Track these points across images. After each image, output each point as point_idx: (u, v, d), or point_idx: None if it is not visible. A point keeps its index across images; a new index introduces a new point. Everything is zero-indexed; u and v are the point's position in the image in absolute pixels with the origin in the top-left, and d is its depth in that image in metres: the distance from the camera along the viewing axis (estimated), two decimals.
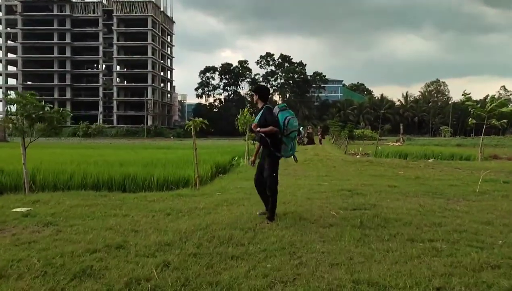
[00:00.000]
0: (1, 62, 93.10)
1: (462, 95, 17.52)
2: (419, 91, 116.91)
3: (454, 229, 5.14)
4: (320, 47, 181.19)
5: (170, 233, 4.80)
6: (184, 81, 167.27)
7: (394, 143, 39.43)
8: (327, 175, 11.65)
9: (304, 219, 5.65)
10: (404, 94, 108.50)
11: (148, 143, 44.08)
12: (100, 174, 9.55)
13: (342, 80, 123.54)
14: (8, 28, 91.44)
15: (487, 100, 19.96)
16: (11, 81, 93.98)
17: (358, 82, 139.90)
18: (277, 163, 5.74)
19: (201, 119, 9.05)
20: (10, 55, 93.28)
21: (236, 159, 16.27)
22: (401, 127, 53.63)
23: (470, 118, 17.18)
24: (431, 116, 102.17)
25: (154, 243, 4.37)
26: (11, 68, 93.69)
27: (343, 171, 12.75)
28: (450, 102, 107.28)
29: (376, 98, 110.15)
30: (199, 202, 6.99)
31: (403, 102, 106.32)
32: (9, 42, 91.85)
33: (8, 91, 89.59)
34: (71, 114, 18.27)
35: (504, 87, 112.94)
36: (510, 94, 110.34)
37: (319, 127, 45.55)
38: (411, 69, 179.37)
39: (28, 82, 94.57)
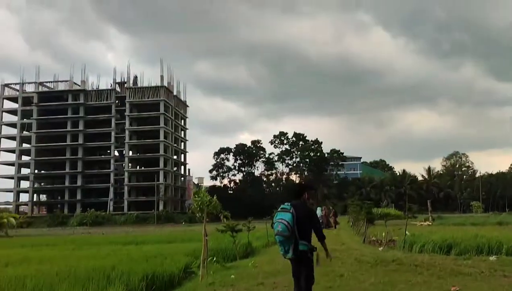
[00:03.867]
0: (14, 153, 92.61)
1: None
2: (442, 165, 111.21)
3: None
4: (337, 126, 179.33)
5: None
6: (204, 165, 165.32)
7: (422, 223, 34.52)
8: None
9: None
10: (426, 168, 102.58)
11: (150, 230, 39.51)
12: None
13: (361, 157, 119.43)
14: (25, 119, 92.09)
15: None
16: (24, 171, 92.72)
17: (378, 159, 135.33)
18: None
19: None
20: (24, 145, 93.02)
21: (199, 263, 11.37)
22: (428, 204, 47.98)
23: None
24: (457, 191, 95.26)
25: None
26: (24, 158, 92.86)
27: (355, 287, 7.84)
28: (476, 175, 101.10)
29: (398, 174, 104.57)
30: None
31: (426, 177, 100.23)
32: (24, 132, 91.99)
33: None
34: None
35: None
36: None
37: (330, 207, 40.46)
38: (429, 145, 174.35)
39: (42, 171, 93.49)
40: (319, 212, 32.54)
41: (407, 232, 18.46)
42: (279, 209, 5.99)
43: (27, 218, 79.72)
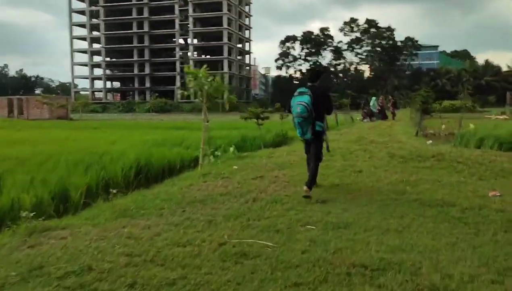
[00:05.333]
0: (86, 40, 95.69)
1: None
2: None
3: None
4: (419, 12, 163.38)
5: None
6: (272, 56, 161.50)
7: (498, 117, 31.49)
8: (327, 199, 5.57)
9: None
10: None
11: (212, 118, 39.66)
12: None
13: (438, 46, 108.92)
14: (92, 6, 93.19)
15: None
16: (96, 59, 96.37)
17: (460, 49, 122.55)
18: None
19: None
20: (94, 33, 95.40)
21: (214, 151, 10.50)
22: (508, 96, 43.03)
23: None
24: None
25: None
26: (95, 46, 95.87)
27: (367, 186, 6.49)
28: None
29: (479, 65, 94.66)
30: None
31: None
32: (93, 20, 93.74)
33: None
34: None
35: None
36: None
37: (389, 97, 37.86)
38: None
39: (113, 59, 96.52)
40: (373, 102, 30.17)
41: (471, 125, 16.35)
42: (296, 93, 6.18)
43: (101, 104, 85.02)
